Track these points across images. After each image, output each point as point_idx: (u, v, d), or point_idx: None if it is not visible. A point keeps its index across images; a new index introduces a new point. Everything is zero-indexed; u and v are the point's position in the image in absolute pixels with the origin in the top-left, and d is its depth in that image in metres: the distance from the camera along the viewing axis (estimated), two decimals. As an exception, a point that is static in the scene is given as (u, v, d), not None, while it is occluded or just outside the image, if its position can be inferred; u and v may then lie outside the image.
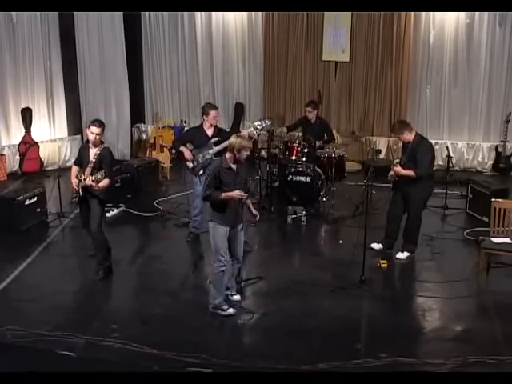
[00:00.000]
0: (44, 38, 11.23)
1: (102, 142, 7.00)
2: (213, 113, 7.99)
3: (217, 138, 7.90)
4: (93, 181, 6.74)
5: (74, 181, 6.96)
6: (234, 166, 6.19)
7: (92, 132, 6.86)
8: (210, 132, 8.01)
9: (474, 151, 11.55)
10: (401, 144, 8.00)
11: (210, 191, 6.13)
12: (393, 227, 7.77)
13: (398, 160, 7.38)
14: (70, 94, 11.72)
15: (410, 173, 7.34)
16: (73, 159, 11.58)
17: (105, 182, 6.82)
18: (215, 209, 6.21)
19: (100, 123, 6.93)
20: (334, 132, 10.21)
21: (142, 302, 6.73)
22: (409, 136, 7.49)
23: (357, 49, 11.63)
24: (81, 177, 6.88)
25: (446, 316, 6.47)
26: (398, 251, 7.75)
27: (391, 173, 7.54)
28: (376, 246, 7.83)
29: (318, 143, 9.43)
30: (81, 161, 7.10)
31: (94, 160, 6.86)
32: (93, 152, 6.91)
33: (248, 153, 6.20)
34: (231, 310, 6.38)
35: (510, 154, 11.24)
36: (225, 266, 6.26)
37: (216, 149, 7.83)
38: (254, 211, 6.49)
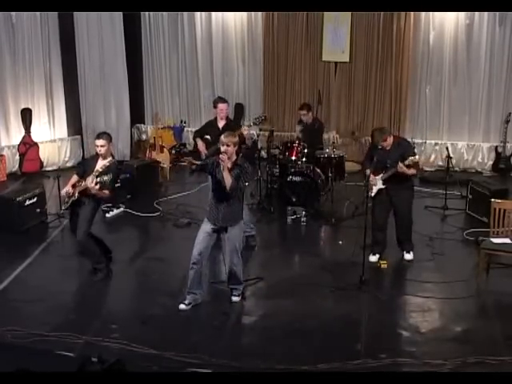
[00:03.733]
0: (44, 38, 11.22)
1: (112, 156, 7.00)
2: (220, 106, 8.03)
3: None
4: (97, 183, 6.69)
5: (68, 188, 6.98)
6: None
7: (96, 145, 6.91)
8: (221, 125, 8.02)
9: (473, 152, 11.52)
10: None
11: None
12: (382, 236, 7.62)
13: (414, 159, 7.11)
14: (69, 94, 11.72)
15: (413, 171, 7.29)
16: (73, 160, 11.76)
17: (105, 192, 6.81)
18: None
19: (104, 136, 6.93)
20: (334, 132, 10.19)
21: (141, 302, 6.73)
22: (390, 139, 7.36)
23: (357, 49, 11.61)
24: (79, 184, 6.88)
25: (446, 316, 6.46)
26: (405, 253, 7.68)
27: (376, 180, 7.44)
28: (374, 257, 7.63)
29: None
30: (83, 171, 7.00)
31: (100, 170, 6.78)
32: (101, 163, 6.87)
33: (227, 147, 6.10)
34: (181, 306, 6.43)
35: (510, 154, 11.23)
36: (195, 263, 6.33)
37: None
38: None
